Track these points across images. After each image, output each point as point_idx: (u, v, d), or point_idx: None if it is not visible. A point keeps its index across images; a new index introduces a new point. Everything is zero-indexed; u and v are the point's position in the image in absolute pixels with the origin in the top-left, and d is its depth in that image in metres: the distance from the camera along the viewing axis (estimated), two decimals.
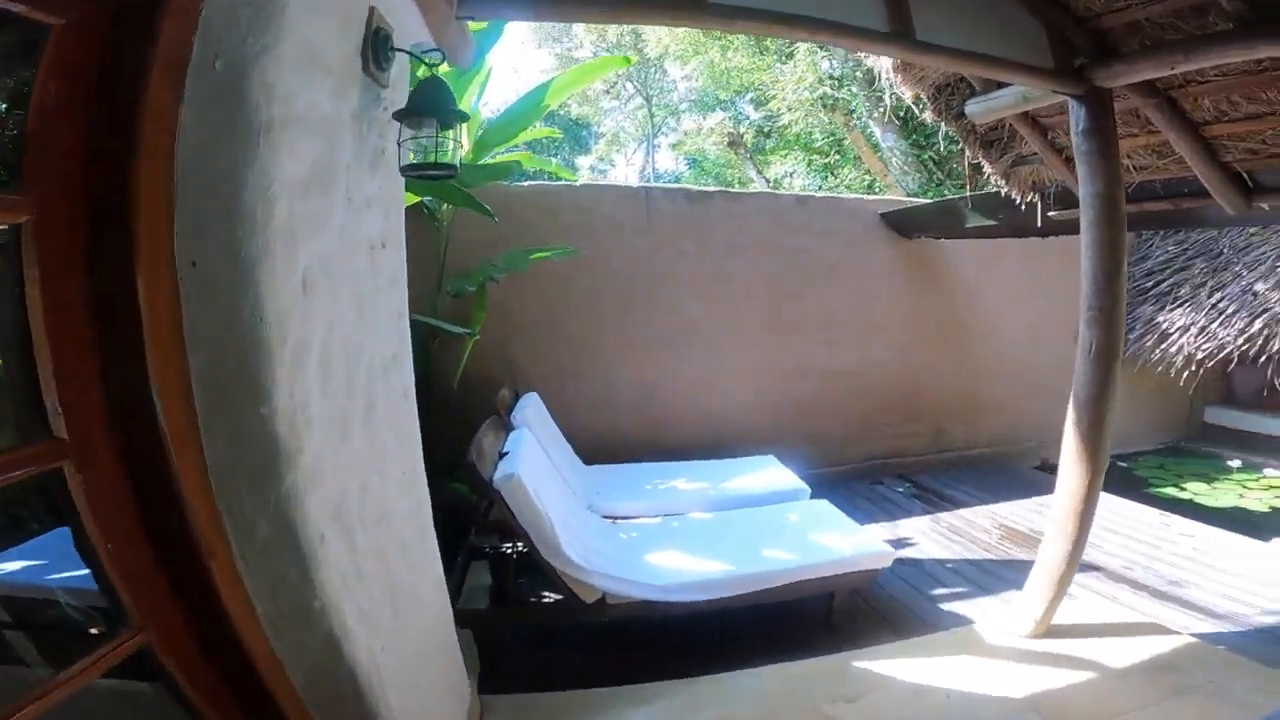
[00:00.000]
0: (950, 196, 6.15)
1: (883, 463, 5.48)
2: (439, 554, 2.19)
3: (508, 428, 3.53)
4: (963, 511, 4.54)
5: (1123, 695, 2.41)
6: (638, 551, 3.19)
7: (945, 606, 3.25)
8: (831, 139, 9.79)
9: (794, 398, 5.25)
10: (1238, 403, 6.72)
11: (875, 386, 5.47)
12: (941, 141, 8.22)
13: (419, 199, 3.76)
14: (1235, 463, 6.12)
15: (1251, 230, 5.53)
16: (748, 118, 13.68)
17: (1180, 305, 5.81)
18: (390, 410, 1.74)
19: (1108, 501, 3.86)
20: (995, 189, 4.17)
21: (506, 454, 2.92)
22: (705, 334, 5.03)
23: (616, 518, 3.68)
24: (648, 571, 2.95)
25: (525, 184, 4.98)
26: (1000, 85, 3.02)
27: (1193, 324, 5.62)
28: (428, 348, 4.04)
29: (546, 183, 5.12)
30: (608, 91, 19.62)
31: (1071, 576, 2.80)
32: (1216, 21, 2.19)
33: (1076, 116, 2.70)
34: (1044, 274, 5.89)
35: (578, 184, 5.02)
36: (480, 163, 4.00)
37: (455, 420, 3.38)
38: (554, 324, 4.71)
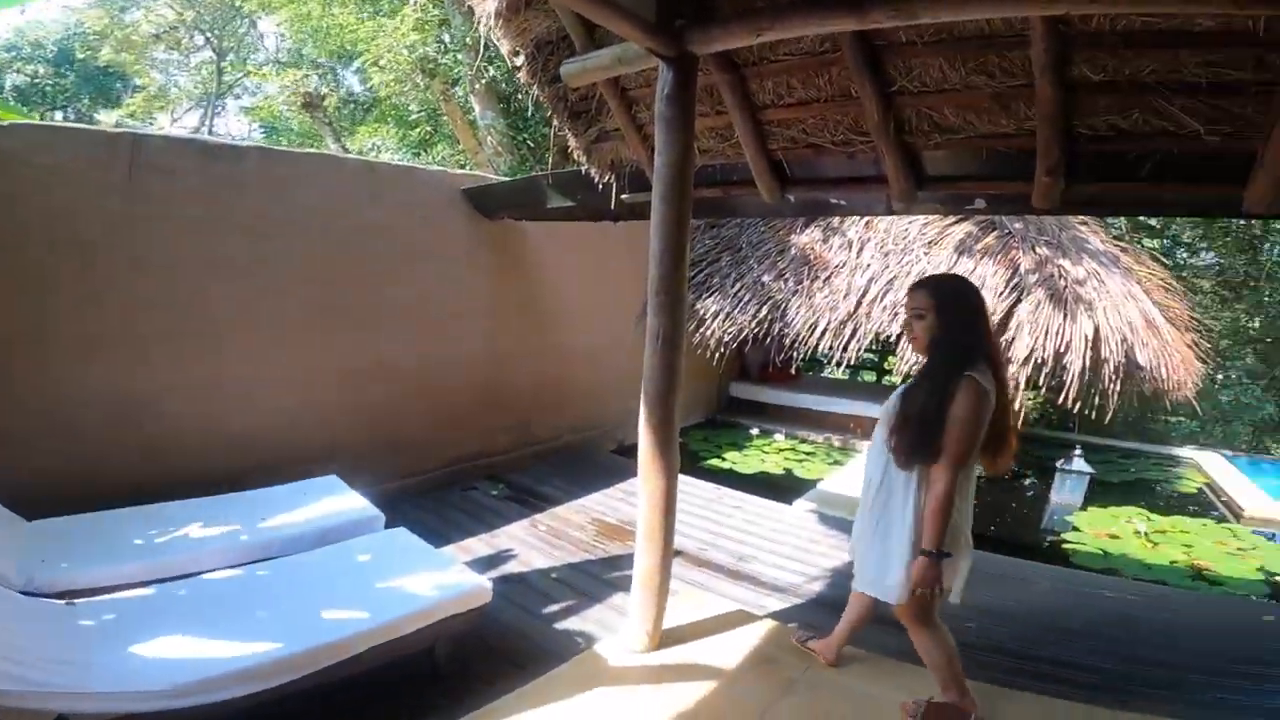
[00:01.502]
0: (533, 175, 6.06)
1: (472, 464, 5.03)
2: None
3: None
4: (558, 510, 4.39)
5: (745, 701, 2.37)
6: (114, 644, 2.13)
7: (560, 626, 2.98)
8: (429, 111, 8.94)
9: (361, 400, 4.39)
10: (750, 377, 8.37)
11: (458, 381, 4.99)
12: (540, 122, 8.16)
13: None
14: (755, 430, 7.55)
15: (763, 227, 6.79)
16: (345, 84, 12.08)
17: (713, 294, 6.81)
18: None
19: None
20: (578, 167, 4.08)
21: None
22: (230, 328, 3.79)
23: (83, 593, 2.46)
24: (132, 673, 1.98)
25: None
26: (600, 49, 2.87)
27: (721, 310, 6.63)
28: None
29: None
30: (159, 37, 15.32)
31: (669, 581, 2.74)
32: None
33: (664, 80, 2.60)
34: (615, 259, 6.24)
35: (5, 124, 3.24)
36: None
37: None
38: None
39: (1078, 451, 6.06)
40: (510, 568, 3.49)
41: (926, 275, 3.04)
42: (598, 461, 5.63)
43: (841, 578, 3.61)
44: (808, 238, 6.55)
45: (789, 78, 2.75)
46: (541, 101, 3.69)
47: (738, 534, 4.15)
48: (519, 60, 3.37)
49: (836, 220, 6.41)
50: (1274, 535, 5.44)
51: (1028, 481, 6.93)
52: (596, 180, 3.96)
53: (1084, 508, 5.75)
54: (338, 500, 3.44)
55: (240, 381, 3.84)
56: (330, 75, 12.17)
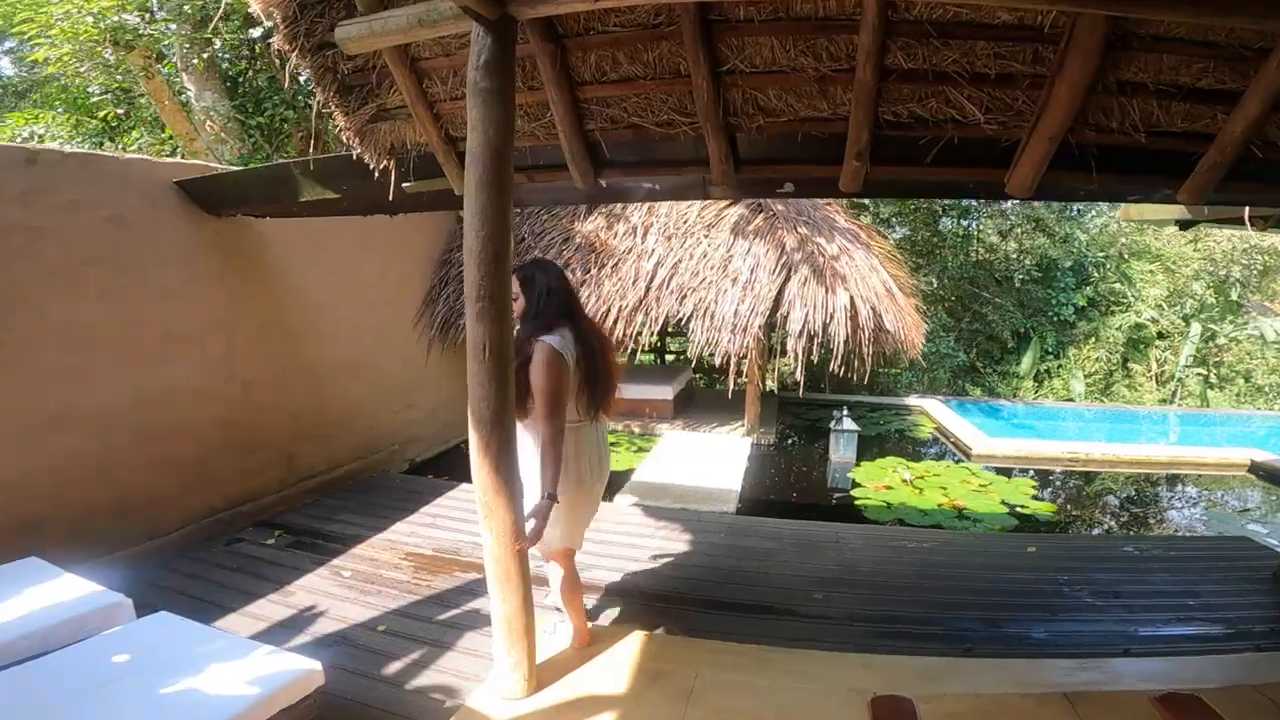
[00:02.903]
0: (284, 161, 5.20)
1: (232, 513, 4.24)
2: None
3: None
4: (358, 550, 3.88)
5: None
6: None
7: (412, 685, 2.62)
8: (119, 92, 7.15)
9: (45, 458, 3.42)
10: None
11: (190, 417, 4.13)
12: (280, 104, 7.03)
13: None
14: None
15: (545, 215, 6.67)
16: None
17: None
18: None
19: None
20: (341, 153, 3.61)
21: None
22: None
23: None
24: None
25: None
26: (389, 8, 2.49)
27: None
28: None
29: None
30: None
31: (534, 619, 2.54)
32: None
33: (481, 47, 2.35)
34: (380, 253, 5.69)
35: None
36: None
37: None
38: None
39: (845, 411, 6.93)
40: (323, 628, 2.99)
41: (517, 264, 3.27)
42: (390, 486, 5.11)
43: (680, 568, 3.72)
44: (592, 225, 6.59)
45: (615, 51, 2.66)
46: (300, 73, 3.19)
47: None
48: (275, 22, 2.85)
49: (619, 206, 6.53)
50: (997, 468, 6.77)
51: (789, 442, 7.83)
52: (372, 167, 3.53)
53: (858, 463, 6.61)
54: (51, 588, 2.68)
55: None
56: None
